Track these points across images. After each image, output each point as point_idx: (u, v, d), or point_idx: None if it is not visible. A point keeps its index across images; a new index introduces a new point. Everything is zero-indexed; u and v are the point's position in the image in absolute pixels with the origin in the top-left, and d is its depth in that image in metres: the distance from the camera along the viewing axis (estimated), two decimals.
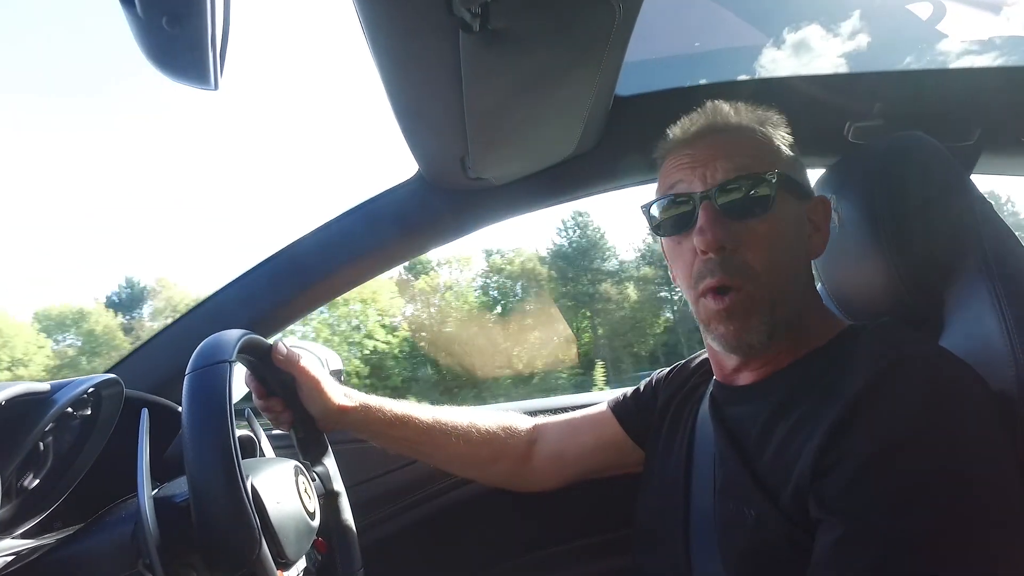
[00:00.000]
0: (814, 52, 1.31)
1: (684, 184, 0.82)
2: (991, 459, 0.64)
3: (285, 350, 0.98)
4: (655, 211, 0.86)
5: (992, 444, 0.65)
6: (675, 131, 0.88)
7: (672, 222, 0.84)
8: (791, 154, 0.85)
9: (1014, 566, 0.59)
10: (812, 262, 0.88)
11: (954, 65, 1.35)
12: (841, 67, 1.30)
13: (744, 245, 0.78)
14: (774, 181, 0.78)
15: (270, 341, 0.98)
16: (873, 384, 0.67)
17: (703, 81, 1.29)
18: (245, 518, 0.66)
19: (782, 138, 0.85)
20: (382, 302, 27.93)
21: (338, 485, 1.01)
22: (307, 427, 1.03)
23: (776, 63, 1.32)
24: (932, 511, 0.60)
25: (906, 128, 0.94)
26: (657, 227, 0.87)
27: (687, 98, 1.23)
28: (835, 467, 0.65)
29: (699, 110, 0.88)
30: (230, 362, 0.75)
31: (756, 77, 1.29)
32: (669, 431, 1.00)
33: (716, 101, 0.87)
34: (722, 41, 1.37)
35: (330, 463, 1.03)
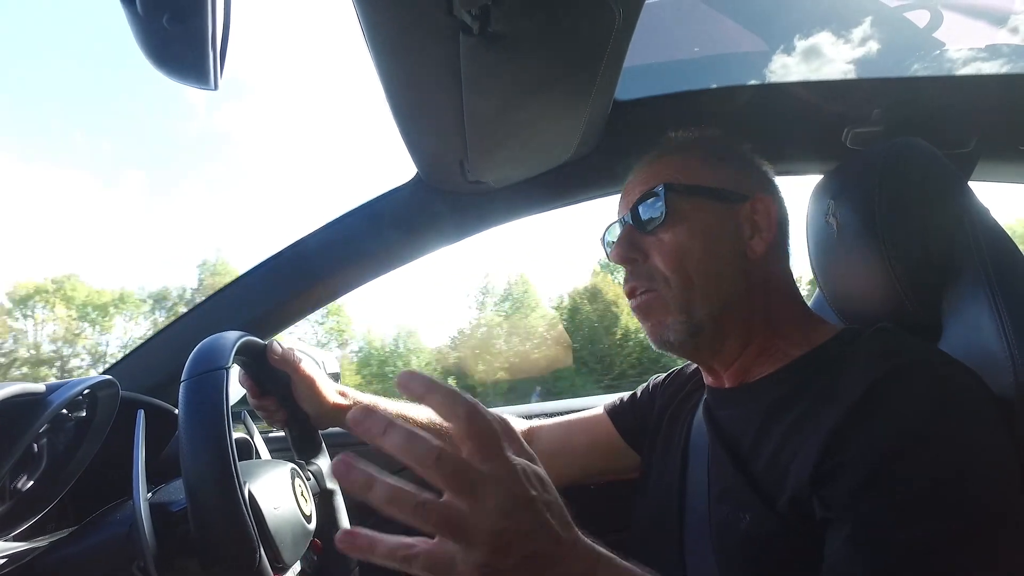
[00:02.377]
0: (813, 58, 1.32)
1: (619, 213, 0.94)
2: (996, 462, 0.64)
3: (280, 350, 0.98)
4: (605, 241, 1.00)
5: (996, 447, 0.65)
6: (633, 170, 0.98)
7: (610, 248, 0.96)
8: (725, 162, 0.90)
9: (1018, 567, 0.60)
10: (811, 266, 0.88)
11: (952, 72, 1.35)
12: (840, 73, 1.30)
13: (653, 254, 0.86)
14: (662, 191, 0.86)
15: (265, 342, 0.98)
16: (877, 388, 0.67)
17: (702, 86, 1.29)
18: (243, 529, 0.66)
19: (716, 149, 0.91)
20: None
21: (332, 483, 1.01)
22: (301, 425, 1.03)
23: (775, 69, 1.32)
24: (943, 514, 0.60)
25: (904, 134, 0.94)
26: (608, 252, 0.98)
27: (686, 103, 1.23)
28: (844, 470, 0.65)
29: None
30: (226, 368, 0.75)
31: (755, 83, 1.29)
32: (665, 435, 1.00)
33: (666, 135, 0.97)
34: (721, 47, 1.38)
35: (324, 461, 1.03)
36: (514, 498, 0.49)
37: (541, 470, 0.54)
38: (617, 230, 0.93)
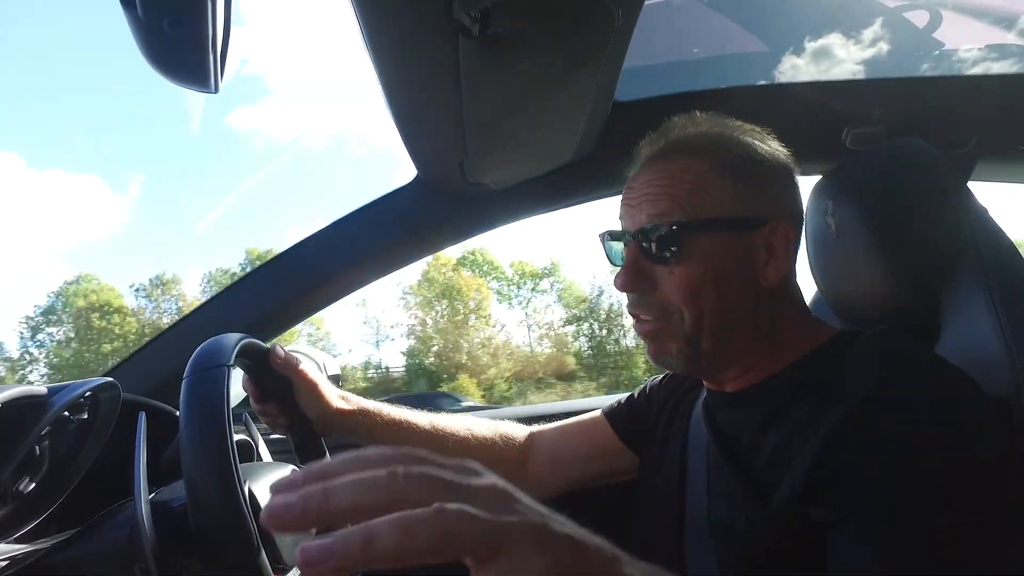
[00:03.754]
0: (813, 59, 1.32)
1: (624, 220, 0.87)
2: (997, 461, 0.64)
3: (283, 353, 0.98)
4: (607, 243, 0.94)
5: (996, 446, 0.66)
6: (638, 152, 0.90)
7: (613, 255, 0.92)
8: (747, 175, 0.82)
9: (1020, 563, 0.60)
10: (810, 266, 0.88)
11: (951, 73, 1.36)
12: (839, 74, 1.31)
13: (662, 286, 0.82)
14: (676, 230, 0.79)
15: (267, 345, 0.98)
16: (877, 390, 0.67)
17: (701, 87, 1.29)
18: (243, 524, 0.66)
19: (738, 158, 0.82)
20: None
21: None
22: (304, 430, 1.03)
23: (775, 69, 1.33)
24: (949, 510, 0.60)
25: (903, 134, 0.94)
26: (610, 257, 0.94)
27: (685, 104, 1.23)
28: (847, 473, 0.65)
29: (659, 129, 0.89)
30: (228, 366, 0.75)
31: (754, 84, 1.30)
32: (663, 437, 1.00)
33: (677, 118, 0.88)
34: (720, 48, 1.38)
35: None
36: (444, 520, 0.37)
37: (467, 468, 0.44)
38: (618, 245, 0.89)
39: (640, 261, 0.83)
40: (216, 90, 0.57)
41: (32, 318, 28.96)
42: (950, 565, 0.59)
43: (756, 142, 0.84)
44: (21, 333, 28.79)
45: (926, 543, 0.60)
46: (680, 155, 0.83)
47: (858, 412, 0.67)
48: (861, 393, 0.68)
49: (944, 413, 0.65)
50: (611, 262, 0.94)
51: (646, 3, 0.81)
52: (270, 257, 1.37)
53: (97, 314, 27.84)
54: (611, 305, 28.36)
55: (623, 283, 0.83)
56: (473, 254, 29.71)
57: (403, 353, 28.99)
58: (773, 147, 0.85)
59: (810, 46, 1.32)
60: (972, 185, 0.98)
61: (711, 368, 0.85)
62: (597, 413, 1.15)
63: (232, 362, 0.76)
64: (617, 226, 0.90)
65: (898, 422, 0.65)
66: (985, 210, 0.86)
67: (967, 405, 0.67)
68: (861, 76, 1.29)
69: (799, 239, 0.85)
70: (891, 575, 0.60)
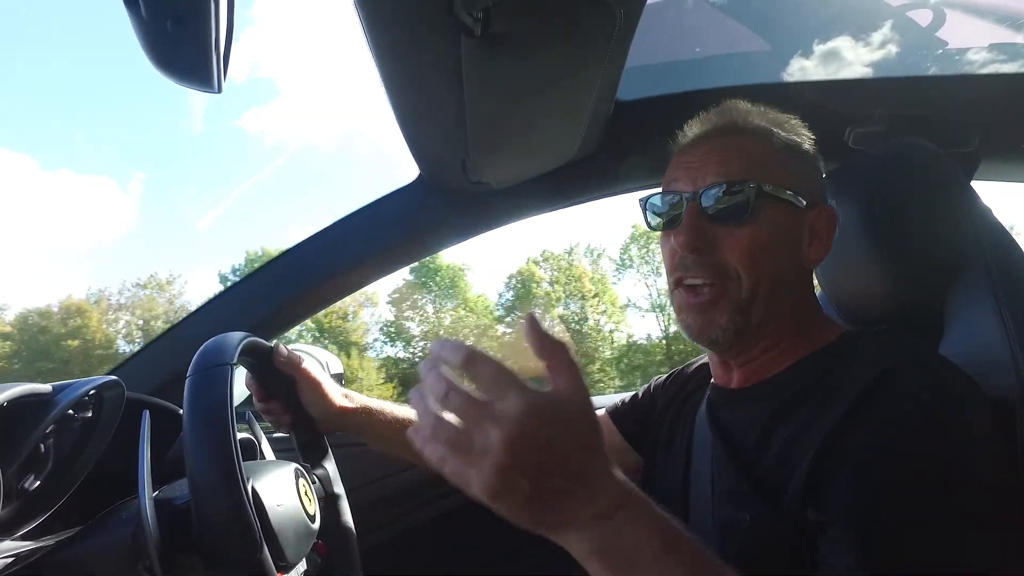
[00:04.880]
0: (816, 58, 1.31)
1: (678, 183, 0.85)
2: (987, 465, 0.65)
3: (286, 352, 0.98)
4: (650, 205, 0.90)
5: (988, 449, 0.66)
6: (689, 129, 0.90)
7: (663, 218, 0.88)
8: (799, 161, 0.85)
9: (1002, 565, 0.60)
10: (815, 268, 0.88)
11: (954, 72, 1.35)
12: (842, 73, 1.30)
13: (724, 248, 0.81)
14: (754, 190, 0.80)
15: (271, 344, 0.98)
16: (871, 389, 0.68)
17: (704, 87, 1.29)
18: (246, 521, 0.66)
19: (792, 144, 0.85)
20: None
21: (338, 488, 1.01)
22: (307, 429, 1.03)
23: (777, 69, 1.32)
24: (931, 502, 0.61)
25: (906, 134, 0.94)
26: (651, 220, 0.91)
27: (687, 103, 1.23)
28: (835, 470, 0.66)
29: (715, 109, 0.89)
30: (231, 365, 0.75)
31: (756, 83, 1.30)
32: (667, 436, 0.99)
33: (735, 101, 0.89)
34: (723, 47, 1.38)
35: (330, 466, 1.03)
36: (520, 437, 0.51)
37: (580, 409, 0.56)
38: (674, 201, 0.86)
39: (699, 221, 0.81)
40: (219, 90, 0.57)
41: None
42: (928, 565, 0.58)
43: (802, 132, 0.87)
44: None
45: (903, 545, 0.60)
46: (740, 134, 0.85)
47: (849, 413, 0.67)
48: (854, 394, 0.68)
49: (936, 414, 0.65)
50: (650, 227, 0.91)
51: (648, 2, 0.81)
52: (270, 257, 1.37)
53: None
54: None
55: (686, 240, 0.81)
56: None
57: None
58: (813, 142, 0.87)
59: (812, 45, 1.32)
60: (976, 184, 0.97)
61: (748, 343, 0.83)
62: (601, 412, 1.15)
63: (235, 361, 0.76)
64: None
65: (884, 421, 0.65)
66: (989, 209, 0.86)
67: (960, 406, 0.67)
68: (863, 75, 1.28)
69: (837, 226, 0.87)
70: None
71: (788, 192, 0.82)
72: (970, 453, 0.64)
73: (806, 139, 0.86)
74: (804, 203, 0.82)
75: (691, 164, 0.85)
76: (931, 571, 0.58)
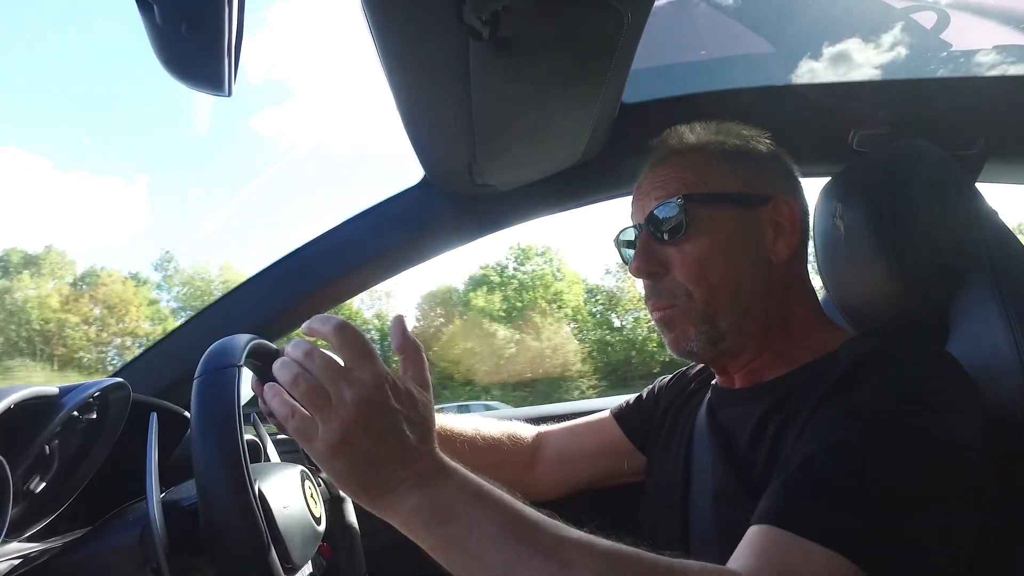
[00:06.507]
0: (820, 60, 1.31)
1: (633, 217, 0.93)
2: (951, 452, 0.64)
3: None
4: (620, 243, 0.99)
5: (958, 437, 0.65)
6: (643, 165, 0.96)
7: (627, 252, 0.96)
8: (744, 163, 0.87)
9: (951, 547, 0.60)
10: (815, 268, 0.88)
11: (959, 74, 1.35)
12: (846, 75, 1.30)
13: (675, 267, 0.85)
14: (681, 204, 0.84)
15: (276, 346, 0.98)
16: (848, 371, 0.69)
17: (708, 89, 1.29)
18: (253, 522, 0.66)
19: (733, 149, 0.88)
20: None
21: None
22: None
23: (782, 71, 1.32)
24: (866, 479, 0.60)
25: (911, 136, 0.94)
26: (624, 255, 0.98)
27: (693, 105, 1.23)
28: (799, 435, 0.68)
29: (658, 140, 0.95)
30: (238, 366, 0.75)
31: (761, 85, 1.29)
32: (668, 436, 1.00)
33: (675, 127, 0.94)
34: (728, 49, 1.38)
35: None
36: (370, 401, 0.59)
37: (422, 395, 0.64)
38: (632, 235, 0.92)
39: (651, 245, 0.87)
40: (229, 93, 0.57)
41: None
42: (834, 534, 0.57)
43: (748, 133, 0.91)
44: None
45: (819, 504, 0.60)
46: (674, 154, 0.90)
47: (828, 392, 0.69)
48: (836, 377, 0.70)
49: (907, 394, 0.66)
50: (624, 261, 0.96)
51: (655, 5, 0.81)
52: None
53: None
54: None
55: (636, 265, 0.87)
56: None
57: None
58: (766, 142, 0.91)
59: (817, 47, 1.32)
60: (981, 186, 0.97)
61: (731, 349, 0.85)
62: (606, 413, 1.15)
63: (242, 363, 0.76)
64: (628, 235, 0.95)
65: (855, 393, 0.67)
66: (995, 212, 0.86)
67: (936, 388, 0.67)
68: (868, 77, 1.28)
69: (806, 219, 0.89)
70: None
71: (732, 195, 0.84)
72: (936, 436, 0.63)
73: (754, 140, 0.89)
74: (754, 200, 0.85)
75: (638, 196, 0.92)
76: (835, 540, 0.57)
